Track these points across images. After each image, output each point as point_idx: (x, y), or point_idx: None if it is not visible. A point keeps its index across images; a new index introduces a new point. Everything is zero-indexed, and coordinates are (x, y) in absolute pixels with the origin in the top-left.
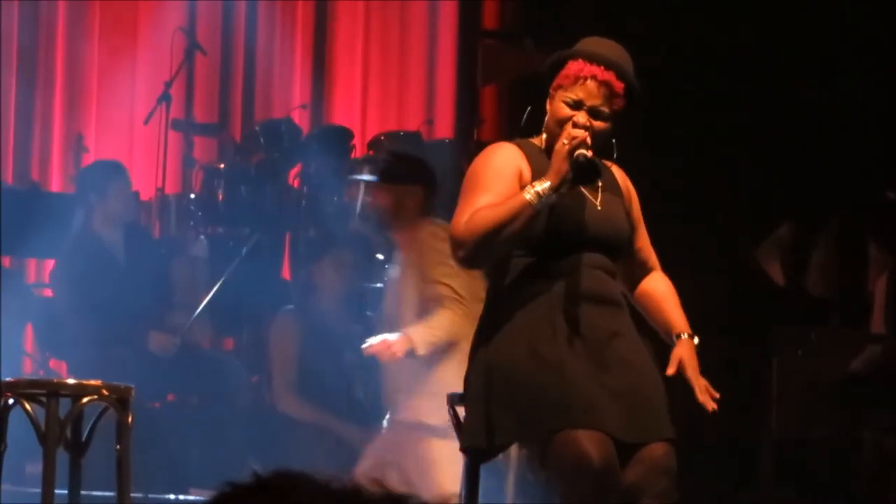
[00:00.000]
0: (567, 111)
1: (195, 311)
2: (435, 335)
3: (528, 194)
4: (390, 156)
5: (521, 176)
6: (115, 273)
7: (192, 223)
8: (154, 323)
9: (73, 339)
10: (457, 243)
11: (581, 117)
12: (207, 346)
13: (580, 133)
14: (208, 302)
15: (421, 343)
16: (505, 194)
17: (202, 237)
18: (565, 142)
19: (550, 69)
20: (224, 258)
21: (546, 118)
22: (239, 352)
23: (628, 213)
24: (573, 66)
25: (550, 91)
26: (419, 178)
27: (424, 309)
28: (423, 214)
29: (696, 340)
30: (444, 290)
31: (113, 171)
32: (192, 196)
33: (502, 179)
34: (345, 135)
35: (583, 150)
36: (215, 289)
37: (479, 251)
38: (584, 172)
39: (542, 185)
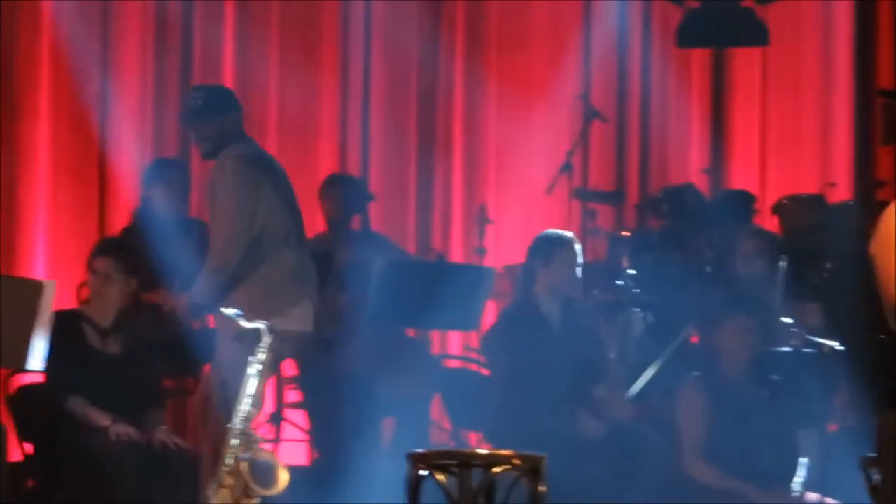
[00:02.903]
0: None
1: (620, 384)
2: None
3: None
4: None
5: None
6: (549, 344)
7: (595, 292)
8: (580, 397)
9: (492, 409)
10: None
11: None
12: (623, 416)
13: None
14: (621, 371)
15: None
16: None
17: (638, 311)
18: None
19: None
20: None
21: None
22: (645, 418)
23: None
24: None
25: None
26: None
27: None
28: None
29: None
30: None
31: (560, 241)
32: (597, 264)
33: None
34: (748, 199)
35: None
36: (650, 373)
37: None
38: None
39: None
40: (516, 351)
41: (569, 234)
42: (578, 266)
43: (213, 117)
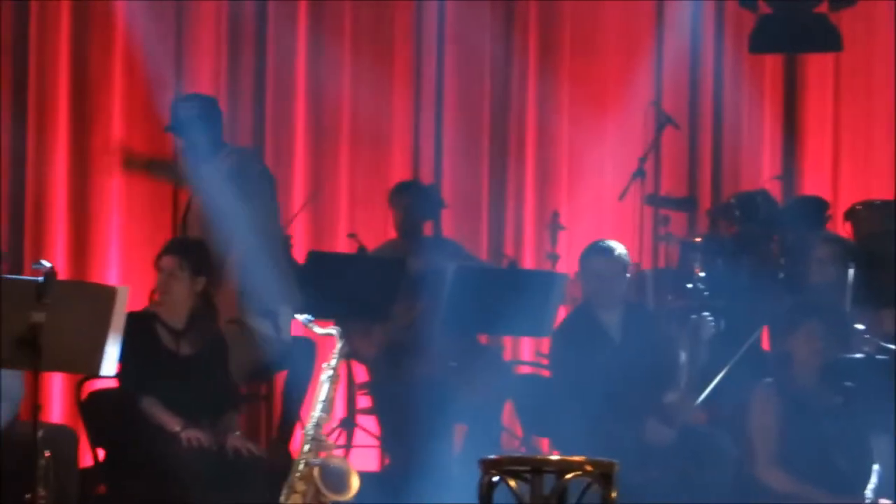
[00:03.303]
0: None
1: (690, 391)
2: None
3: None
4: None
5: None
6: (608, 352)
7: (669, 297)
8: (649, 404)
9: (562, 416)
10: None
11: None
12: (693, 421)
13: None
14: (692, 376)
15: None
16: None
17: (707, 316)
18: None
19: None
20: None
21: None
22: (716, 423)
23: None
24: None
25: None
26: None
27: None
28: None
29: None
30: None
31: (589, 251)
32: (669, 270)
33: None
34: (821, 205)
35: None
36: (719, 378)
37: None
38: None
39: None
40: (573, 359)
41: (604, 243)
42: (611, 277)
43: (208, 126)
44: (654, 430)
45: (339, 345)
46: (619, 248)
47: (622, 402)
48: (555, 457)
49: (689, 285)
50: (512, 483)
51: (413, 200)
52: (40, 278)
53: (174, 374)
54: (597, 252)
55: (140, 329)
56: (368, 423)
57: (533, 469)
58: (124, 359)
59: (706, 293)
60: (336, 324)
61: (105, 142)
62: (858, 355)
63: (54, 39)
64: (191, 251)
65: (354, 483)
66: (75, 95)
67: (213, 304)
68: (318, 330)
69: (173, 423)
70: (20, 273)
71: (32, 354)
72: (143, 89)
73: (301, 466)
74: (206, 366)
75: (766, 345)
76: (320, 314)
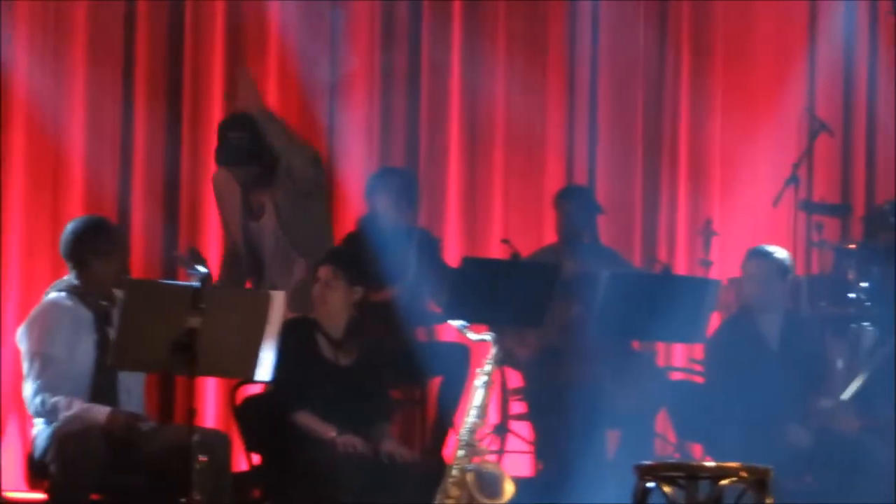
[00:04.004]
0: None
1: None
2: None
3: None
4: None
5: None
6: (766, 357)
7: (822, 304)
8: (800, 410)
9: (716, 422)
10: None
11: None
12: (848, 429)
13: None
14: (850, 385)
15: None
16: None
17: (867, 325)
18: None
19: None
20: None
21: None
22: (872, 431)
23: None
24: None
25: None
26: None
27: None
28: None
29: None
30: None
31: (748, 255)
32: (823, 277)
33: None
34: None
35: None
36: (858, 383)
37: None
38: None
39: None
40: (729, 365)
41: (763, 247)
42: (766, 280)
43: (263, 153)
44: (794, 433)
45: (493, 350)
46: (778, 252)
47: (775, 408)
48: (710, 463)
49: (851, 295)
50: (667, 489)
51: (576, 206)
52: (196, 283)
53: (331, 385)
54: (754, 255)
55: (300, 337)
56: (521, 428)
57: (688, 475)
58: (282, 366)
59: (867, 302)
60: (490, 329)
61: None
62: None
63: (209, 40)
64: (347, 261)
65: (508, 489)
66: (230, 98)
67: (372, 313)
68: (472, 336)
69: (328, 430)
70: (174, 278)
71: (188, 359)
72: (296, 91)
73: (455, 472)
74: (361, 377)
75: None
76: (474, 320)
